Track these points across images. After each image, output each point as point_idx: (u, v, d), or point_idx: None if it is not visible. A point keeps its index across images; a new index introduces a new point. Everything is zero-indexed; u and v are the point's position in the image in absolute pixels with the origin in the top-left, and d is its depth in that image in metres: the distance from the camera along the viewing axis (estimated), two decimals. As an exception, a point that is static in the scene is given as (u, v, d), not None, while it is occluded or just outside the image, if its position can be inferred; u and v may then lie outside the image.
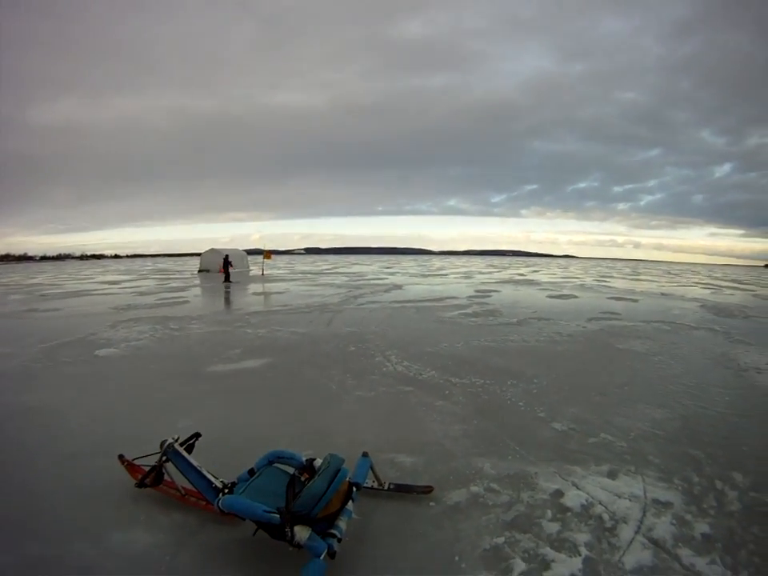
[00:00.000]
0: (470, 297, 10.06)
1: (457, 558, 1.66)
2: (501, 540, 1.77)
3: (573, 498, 2.13)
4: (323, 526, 1.49)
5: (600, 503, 2.09)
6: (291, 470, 1.74)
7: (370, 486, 1.99)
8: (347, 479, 1.65)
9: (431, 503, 1.98)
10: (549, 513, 2.02)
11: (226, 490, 1.65)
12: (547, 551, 1.75)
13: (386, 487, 2.00)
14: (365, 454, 1.97)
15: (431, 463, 2.34)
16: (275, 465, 1.79)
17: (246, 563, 1.55)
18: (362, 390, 3.37)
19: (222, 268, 13.50)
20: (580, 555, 1.73)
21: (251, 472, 1.75)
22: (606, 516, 1.99)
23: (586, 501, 2.11)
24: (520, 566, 1.64)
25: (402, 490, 2.00)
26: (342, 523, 1.55)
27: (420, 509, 1.93)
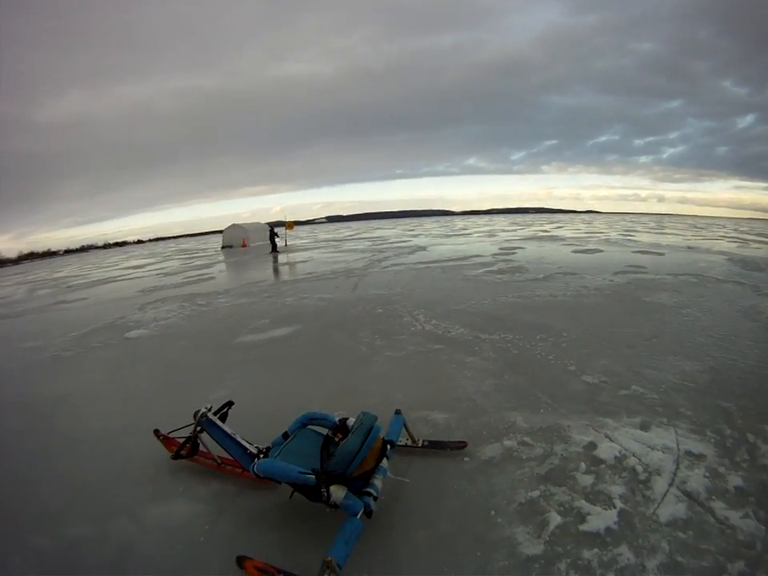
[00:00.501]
0: (495, 254, 10.98)
1: (493, 513, 1.89)
2: (536, 494, 2.02)
3: (606, 451, 2.41)
4: (359, 484, 1.67)
5: (633, 455, 2.37)
6: (325, 431, 1.96)
7: (404, 443, 2.23)
8: (381, 437, 1.82)
9: (465, 458, 2.26)
10: (583, 465, 2.30)
11: (261, 455, 1.83)
12: (582, 504, 1.96)
13: (419, 444, 2.26)
14: (398, 412, 2.17)
15: (464, 419, 2.65)
16: (309, 427, 2.01)
17: (285, 526, 1.77)
18: (391, 351, 3.80)
19: (270, 239, 16.05)
20: (615, 508, 1.98)
21: (285, 435, 1.96)
22: (639, 468, 2.25)
23: (620, 453, 2.39)
24: (555, 519, 1.86)
25: (436, 447, 2.27)
26: (378, 481, 1.74)
27: (454, 464, 2.21)
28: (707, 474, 2.19)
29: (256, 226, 22.77)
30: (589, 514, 1.90)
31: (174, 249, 29.65)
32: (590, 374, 3.44)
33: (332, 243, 19.26)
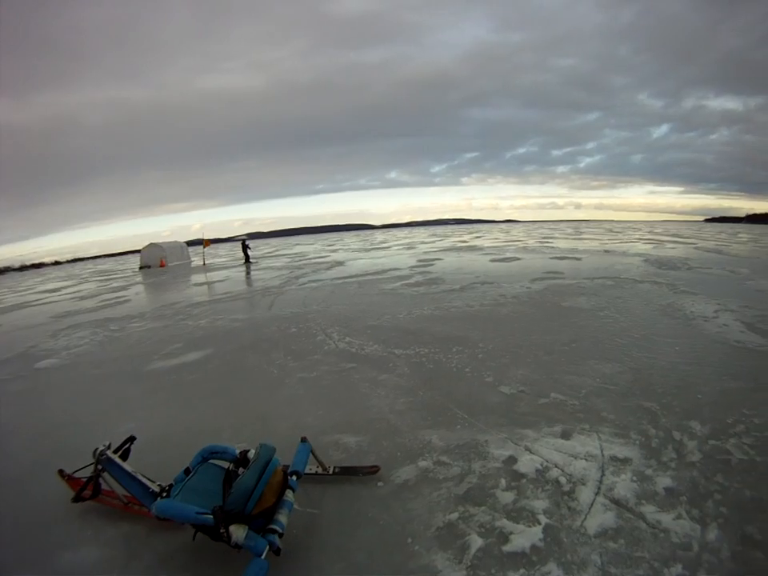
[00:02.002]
0: (413, 267, 15.52)
1: (410, 540, 2.50)
2: (454, 516, 2.64)
3: (527, 464, 3.14)
4: (261, 522, 2.28)
5: (556, 466, 3.09)
6: (227, 465, 2.72)
7: (314, 472, 3.04)
8: (281, 469, 2.54)
9: (379, 483, 3.00)
10: (503, 482, 2.97)
11: (164, 494, 2.55)
12: (504, 523, 2.60)
13: (330, 471, 3.07)
14: (303, 440, 2.94)
15: (377, 441, 3.52)
16: (210, 461, 2.79)
17: (196, 567, 2.47)
18: (304, 372, 5.26)
19: (243, 252, 25.03)
20: (539, 524, 2.57)
21: (187, 471, 2.71)
22: (563, 479, 2.94)
23: (541, 465, 3.11)
24: (477, 541, 2.44)
25: (348, 473, 3.06)
26: (283, 517, 2.37)
27: (368, 491, 2.93)
28: (634, 478, 2.95)
29: (174, 245, 32.78)
30: (512, 533, 2.49)
31: (91, 270, 39.05)
32: (507, 384, 4.52)
33: (250, 262, 25.41)
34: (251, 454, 2.64)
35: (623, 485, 2.94)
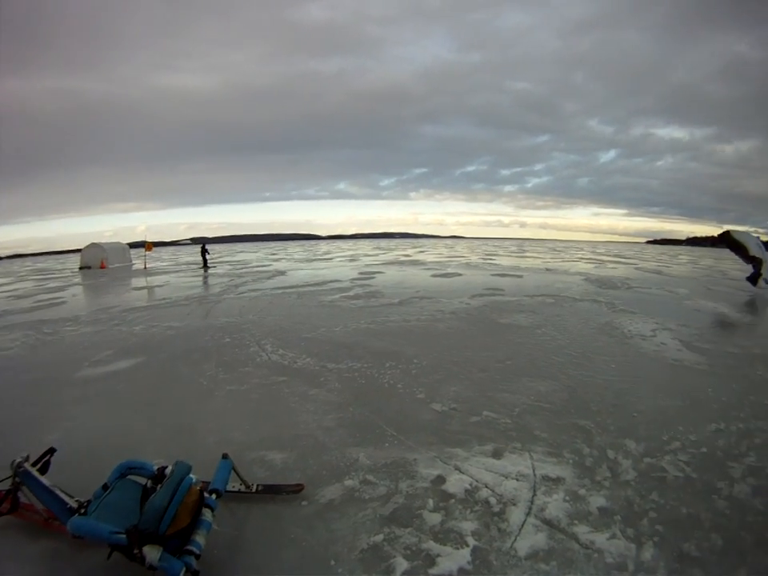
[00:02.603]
0: (353, 279, 16.58)
1: (333, 563, 2.56)
2: (380, 538, 2.72)
3: (455, 484, 3.23)
4: (176, 543, 2.36)
5: (486, 486, 3.19)
6: (144, 481, 2.81)
7: (237, 489, 3.17)
8: (197, 488, 2.64)
9: (303, 502, 3.11)
10: (430, 502, 3.06)
11: (82, 510, 2.67)
12: (431, 545, 2.66)
13: (254, 489, 3.20)
14: (224, 456, 3.06)
15: (303, 458, 3.66)
16: (129, 477, 2.88)
17: None
18: (233, 384, 5.51)
19: (201, 256, 27.56)
20: (468, 546, 2.63)
21: (105, 487, 2.80)
22: (493, 500, 3.04)
23: (471, 485, 3.20)
24: (402, 565, 2.50)
25: (272, 491, 3.20)
26: (200, 537, 2.46)
27: (291, 510, 3.04)
28: (567, 498, 3.08)
29: (116, 246, 34.67)
30: (439, 555, 2.57)
31: (30, 268, 40.44)
32: (439, 401, 4.71)
33: (192, 267, 27.36)
34: (169, 471, 2.69)
35: (555, 505, 3.06)
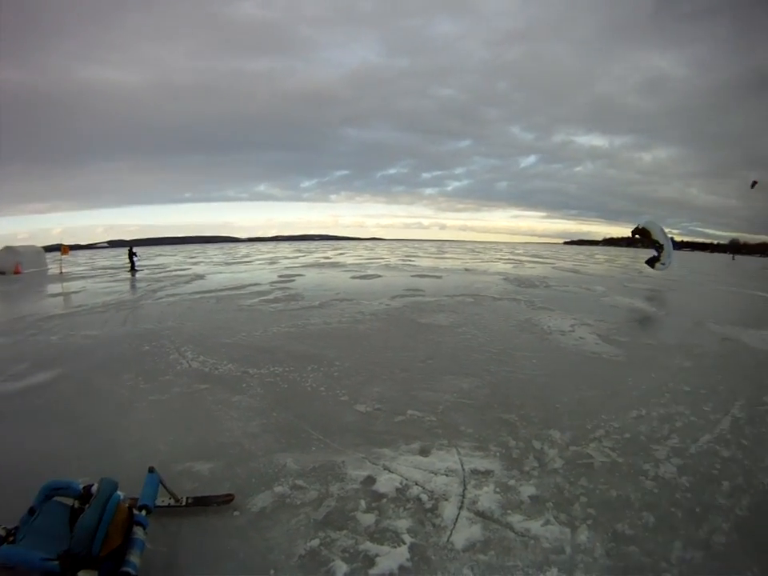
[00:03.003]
0: (273, 282, 16.99)
1: (272, 572, 2.62)
2: (316, 542, 2.78)
3: (386, 483, 3.31)
4: (110, 565, 2.35)
5: (416, 484, 3.29)
6: (71, 502, 2.74)
7: (166, 504, 3.16)
8: (125, 505, 2.62)
9: (235, 513, 3.14)
10: (363, 503, 3.13)
11: (11, 538, 2.62)
12: (368, 546, 2.74)
13: (183, 502, 3.21)
14: (151, 470, 3.04)
15: (230, 467, 3.69)
16: (55, 498, 2.83)
17: None
18: (155, 394, 5.49)
19: (129, 260, 28.45)
20: (405, 544, 2.72)
21: (31, 511, 2.76)
22: (424, 497, 3.14)
23: (401, 483, 3.30)
24: (342, 567, 2.56)
25: (202, 503, 3.22)
26: (134, 557, 2.44)
27: (224, 521, 3.06)
28: (498, 490, 3.24)
29: (31, 249, 34.12)
30: (377, 555, 2.66)
31: None
32: (363, 402, 4.81)
33: (110, 271, 27.54)
34: (95, 489, 2.67)
35: (487, 497, 3.22)
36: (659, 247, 20.78)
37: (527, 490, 3.34)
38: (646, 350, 7.33)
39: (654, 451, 3.92)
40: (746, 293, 18.40)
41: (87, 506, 2.56)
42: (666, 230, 21.25)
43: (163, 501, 3.11)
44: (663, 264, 21.06)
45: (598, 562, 2.65)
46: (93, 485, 2.73)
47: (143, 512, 2.66)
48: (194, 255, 47.83)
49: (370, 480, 3.44)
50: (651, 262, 21.15)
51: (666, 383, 5.62)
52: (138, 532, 2.55)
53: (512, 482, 3.43)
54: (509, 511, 3.09)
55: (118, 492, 2.60)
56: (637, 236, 21.96)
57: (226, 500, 3.23)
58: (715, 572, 2.64)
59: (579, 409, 4.79)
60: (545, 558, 2.66)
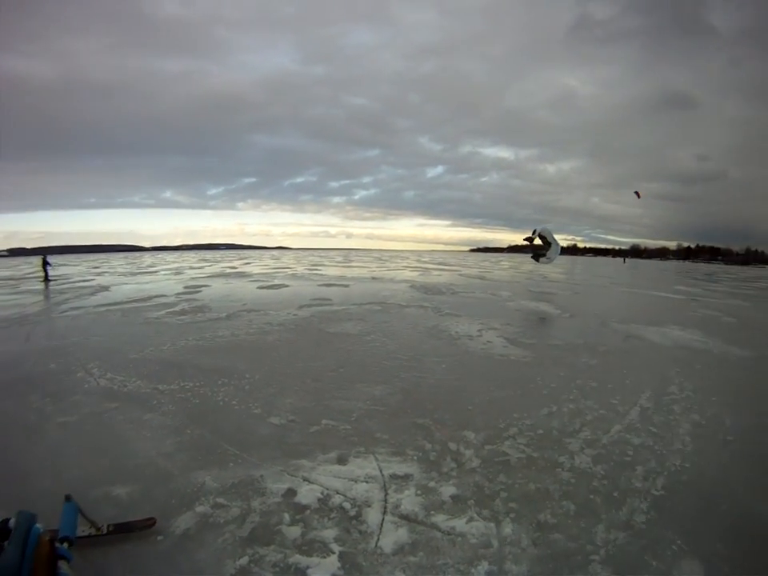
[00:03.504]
0: (179, 294, 16.87)
1: None
2: (245, 560, 2.78)
3: (307, 495, 3.33)
4: None
5: (337, 493, 3.32)
6: None
7: (87, 533, 3.05)
8: (46, 538, 2.42)
9: (159, 537, 3.08)
10: (287, 516, 3.13)
11: None
12: (298, 559, 2.74)
13: (104, 530, 3.11)
14: (68, 498, 2.88)
15: (149, 489, 3.62)
16: None
17: None
18: (64, 416, 5.28)
19: (42, 269, 27.82)
20: (334, 553, 2.74)
21: None
22: (347, 505, 3.17)
23: (322, 493, 3.32)
24: None
25: (124, 530, 3.13)
26: None
27: (149, 546, 3.00)
28: (419, 492, 3.33)
29: None
30: (308, 567, 2.70)
31: None
32: (277, 414, 4.79)
33: (10, 282, 26.74)
34: (12, 524, 2.47)
35: (409, 500, 3.31)
36: (548, 245, 23.98)
37: (448, 491, 3.44)
38: (553, 350, 7.78)
39: (568, 444, 4.17)
40: (645, 293, 20.61)
41: (6, 542, 2.40)
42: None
43: (83, 530, 3.02)
44: (548, 258, 24.54)
45: (526, 551, 2.78)
46: (9, 519, 2.53)
47: (65, 544, 2.52)
48: (98, 265, 47.11)
49: (291, 492, 3.45)
50: (536, 256, 24.35)
51: (574, 380, 6.00)
52: (64, 566, 2.40)
53: (432, 484, 3.54)
54: (432, 512, 3.18)
55: (37, 525, 2.45)
56: (528, 241, 24.85)
57: (148, 524, 3.16)
58: (640, 548, 2.84)
59: (491, 409, 4.99)
60: (474, 553, 2.76)
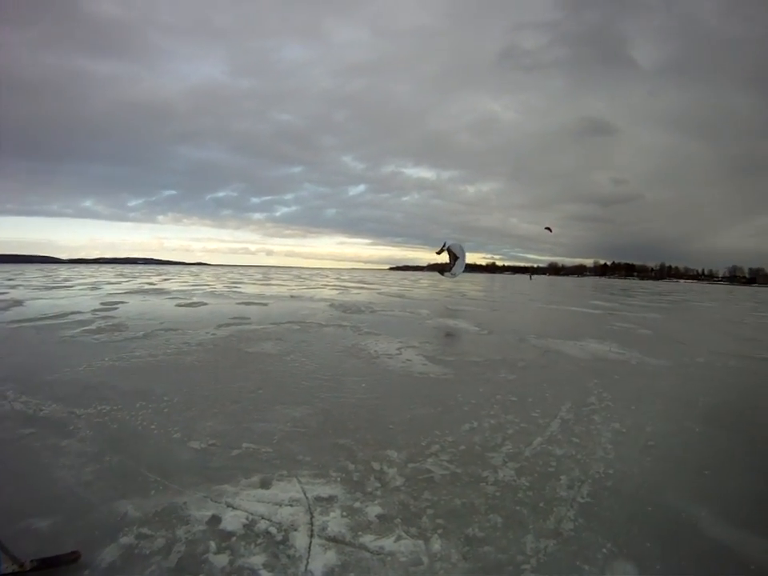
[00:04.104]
0: (96, 311, 16.59)
1: None
2: None
3: (232, 521, 3.28)
4: None
5: (262, 518, 3.30)
6: None
7: (10, 571, 2.94)
8: None
9: (85, 572, 2.98)
10: (213, 544, 3.07)
11: None
12: None
13: (28, 567, 2.98)
14: None
15: (71, 521, 3.50)
16: None
17: None
18: None
19: None
20: None
21: None
22: (273, 529, 3.16)
23: (247, 519, 3.28)
24: None
25: (48, 565, 3.03)
26: None
27: None
28: (345, 513, 3.35)
29: None
30: None
31: None
32: (197, 439, 4.71)
33: None
34: None
35: (335, 522, 3.34)
36: (455, 259, 27.36)
37: (374, 510, 3.48)
38: (473, 366, 8.05)
39: (491, 458, 4.32)
40: (563, 309, 21.95)
41: None
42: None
43: (6, 567, 2.94)
44: (452, 273, 28.23)
45: (457, 566, 2.86)
46: None
47: None
48: (12, 277, 46.76)
49: (216, 519, 3.41)
50: (442, 271, 28.08)
51: (495, 395, 6.24)
52: None
53: (357, 504, 3.57)
54: (359, 533, 3.21)
55: None
56: (438, 253, 28.52)
57: (73, 558, 3.07)
58: (571, 554, 2.99)
59: (413, 427, 5.10)
60: (404, 571, 2.82)
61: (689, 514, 3.52)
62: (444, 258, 29.39)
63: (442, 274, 27.72)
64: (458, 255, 28.16)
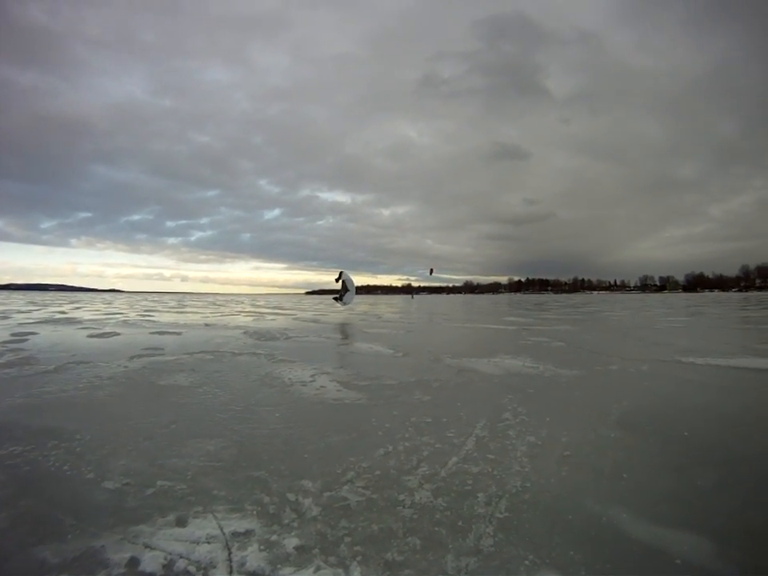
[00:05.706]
0: (5, 342, 15.25)
1: None
2: None
3: (151, 562, 3.27)
4: None
5: (181, 556, 3.31)
6: None
7: None
8: None
9: None
10: None
11: None
12: None
13: None
14: None
15: None
16: None
17: None
18: None
19: None
20: None
21: None
22: (192, 568, 3.19)
23: (165, 559, 3.29)
24: None
25: None
26: None
27: None
28: (263, 547, 3.41)
29: None
30: None
31: None
32: (111, 478, 4.62)
33: None
34: None
35: (254, 556, 3.40)
36: (346, 290, 32.69)
37: (291, 542, 3.55)
38: (387, 390, 8.24)
39: (407, 481, 4.48)
40: (478, 327, 22.83)
41: None
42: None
43: None
44: (344, 302, 33.69)
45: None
46: None
47: None
48: None
49: (135, 561, 3.39)
50: (336, 299, 33.57)
51: (409, 418, 6.43)
52: None
53: (275, 537, 3.62)
54: (278, 566, 3.28)
55: None
56: (336, 281, 33.43)
57: None
58: (493, 570, 3.14)
59: (327, 455, 5.22)
60: None
61: (609, 517, 3.76)
62: (340, 285, 34.10)
63: (337, 301, 32.34)
64: (348, 288, 33.04)
